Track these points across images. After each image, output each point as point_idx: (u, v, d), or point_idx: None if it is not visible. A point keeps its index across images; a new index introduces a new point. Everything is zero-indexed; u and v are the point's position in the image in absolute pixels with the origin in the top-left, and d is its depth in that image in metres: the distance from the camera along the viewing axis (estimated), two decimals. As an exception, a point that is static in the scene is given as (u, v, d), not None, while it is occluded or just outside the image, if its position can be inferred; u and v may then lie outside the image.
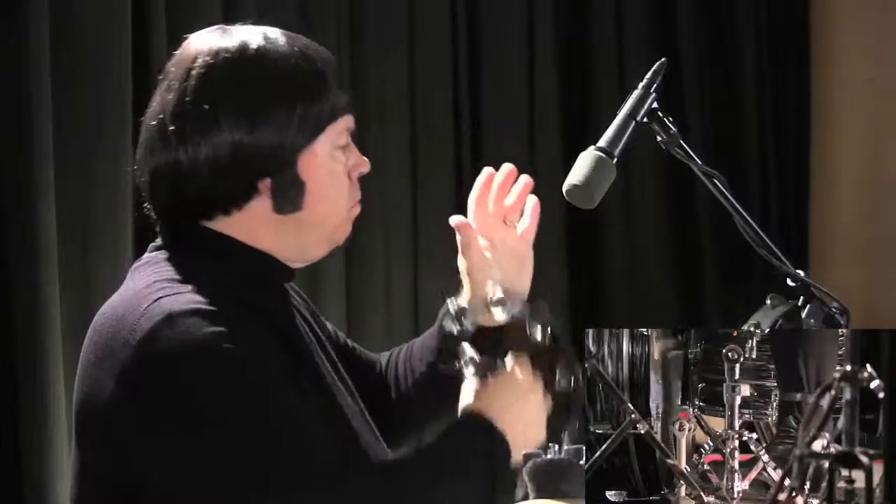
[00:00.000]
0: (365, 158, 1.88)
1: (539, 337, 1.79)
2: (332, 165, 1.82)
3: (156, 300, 1.70)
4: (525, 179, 2.02)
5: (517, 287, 1.99)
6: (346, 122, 1.84)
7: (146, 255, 1.83)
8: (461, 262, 2.01)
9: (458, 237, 1.99)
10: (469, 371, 1.78)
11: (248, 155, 1.76)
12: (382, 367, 2.10)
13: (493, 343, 1.81)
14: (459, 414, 1.79)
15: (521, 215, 2.03)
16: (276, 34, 1.81)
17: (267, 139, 1.76)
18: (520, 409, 1.76)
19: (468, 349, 1.78)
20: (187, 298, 1.69)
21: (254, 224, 1.80)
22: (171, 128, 1.77)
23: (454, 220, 1.99)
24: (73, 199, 3.14)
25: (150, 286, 1.73)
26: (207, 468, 1.65)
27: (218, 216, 1.80)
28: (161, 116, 1.78)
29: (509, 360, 1.79)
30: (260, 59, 1.78)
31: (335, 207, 1.84)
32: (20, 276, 3.02)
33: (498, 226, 2.01)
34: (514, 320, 1.79)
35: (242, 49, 1.78)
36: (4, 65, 3.02)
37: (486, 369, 1.78)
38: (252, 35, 1.80)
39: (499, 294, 1.82)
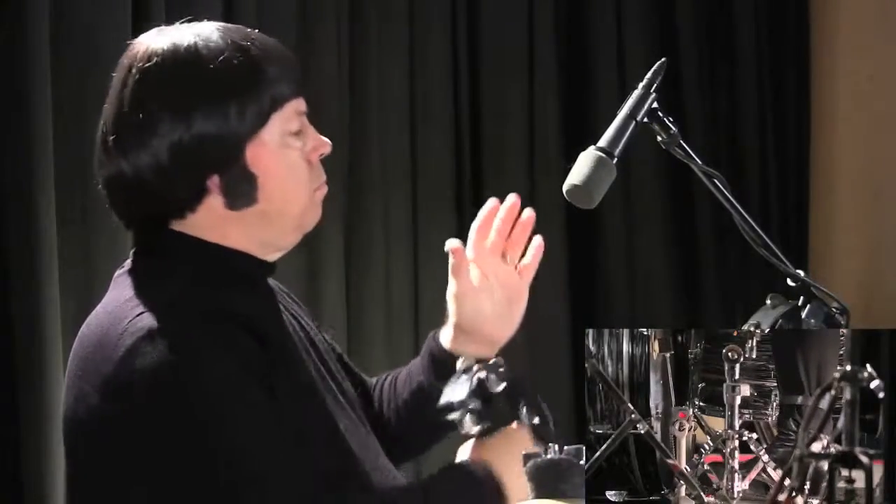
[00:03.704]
0: (324, 139, 1.85)
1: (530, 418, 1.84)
2: (285, 153, 1.80)
3: (137, 315, 1.70)
4: (528, 214, 2.00)
5: (507, 323, 1.99)
6: (295, 106, 1.81)
7: (128, 261, 1.83)
8: (450, 287, 2.00)
9: (450, 261, 1.98)
10: (473, 423, 1.79)
11: (189, 155, 1.74)
12: (372, 389, 2.11)
13: (503, 399, 1.82)
14: (459, 458, 1.82)
15: (524, 254, 2.02)
16: (209, 30, 1.79)
17: (205, 136, 1.74)
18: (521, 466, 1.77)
19: (475, 402, 1.79)
20: (168, 313, 1.69)
21: (214, 223, 1.79)
22: (112, 137, 1.77)
23: (449, 244, 1.97)
24: (73, 199, 3.14)
25: (131, 300, 1.73)
26: (187, 482, 1.65)
27: (173, 221, 1.79)
28: (104, 128, 1.79)
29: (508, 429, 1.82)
30: (191, 58, 1.76)
31: (295, 195, 1.82)
32: (20, 276, 3.02)
33: (494, 259, 2.00)
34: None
35: (173, 50, 1.77)
36: (4, 64, 3.02)
37: (494, 423, 1.80)
38: (184, 34, 1.79)
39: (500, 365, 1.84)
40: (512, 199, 2.00)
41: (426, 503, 1.76)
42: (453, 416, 1.79)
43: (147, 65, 1.76)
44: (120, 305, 1.73)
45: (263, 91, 1.77)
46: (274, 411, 1.69)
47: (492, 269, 1.99)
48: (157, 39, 1.79)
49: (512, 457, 1.78)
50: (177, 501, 1.67)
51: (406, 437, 2.04)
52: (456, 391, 1.79)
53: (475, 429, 1.80)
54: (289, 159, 1.80)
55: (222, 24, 1.82)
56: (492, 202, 2.01)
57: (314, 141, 1.84)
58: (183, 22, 1.83)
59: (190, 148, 1.74)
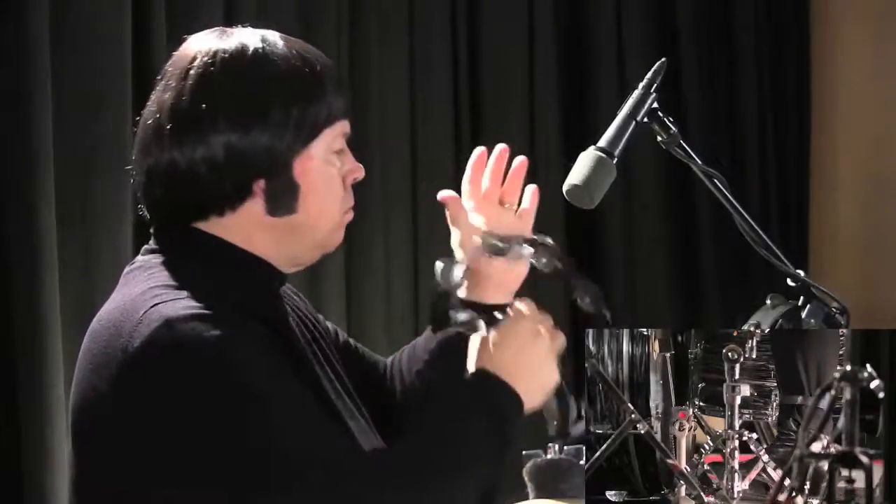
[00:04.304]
0: (360, 165, 1.87)
1: (548, 267, 1.83)
2: (327, 169, 1.82)
3: (153, 306, 1.69)
4: (520, 160, 2.01)
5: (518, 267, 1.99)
6: (342, 126, 1.84)
7: (139, 258, 1.83)
8: (454, 237, 1.99)
9: (447, 212, 1.98)
10: (463, 329, 1.78)
11: (242, 156, 1.75)
12: (387, 368, 2.10)
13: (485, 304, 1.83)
14: (467, 374, 1.77)
15: (520, 200, 2.02)
16: (275, 37, 1.82)
17: (262, 141, 1.76)
18: (527, 358, 1.76)
19: (459, 312, 1.78)
20: (184, 304, 1.69)
21: (246, 226, 1.80)
22: (168, 126, 1.77)
23: (441, 194, 1.97)
24: (73, 199, 3.14)
25: (145, 293, 1.73)
26: (210, 472, 1.65)
27: (211, 217, 1.80)
28: (157, 115, 1.79)
29: (510, 310, 1.79)
30: (258, 61, 1.78)
31: (328, 212, 1.84)
32: (20, 276, 3.02)
33: (493, 206, 2.00)
34: (517, 257, 1.82)
35: (241, 50, 1.78)
36: (4, 64, 3.02)
37: (480, 325, 1.77)
38: (251, 37, 1.80)
39: (496, 237, 1.84)
40: (501, 146, 2.01)
41: (443, 436, 1.71)
42: (459, 323, 1.78)
43: (212, 60, 1.77)
44: (133, 299, 1.73)
45: (322, 104, 1.80)
46: (300, 394, 1.70)
47: (492, 215, 1.99)
48: (221, 38, 1.81)
49: (515, 351, 1.76)
50: (197, 491, 1.66)
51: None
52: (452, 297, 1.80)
53: (476, 328, 1.77)
54: (329, 176, 1.83)
55: (282, 33, 1.84)
56: (479, 150, 2.01)
57: (351, 164, 1.86)
58: (245, 26, 1.84)
59: (245, 149, 1.76)
